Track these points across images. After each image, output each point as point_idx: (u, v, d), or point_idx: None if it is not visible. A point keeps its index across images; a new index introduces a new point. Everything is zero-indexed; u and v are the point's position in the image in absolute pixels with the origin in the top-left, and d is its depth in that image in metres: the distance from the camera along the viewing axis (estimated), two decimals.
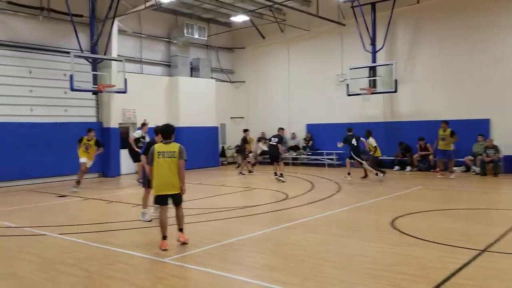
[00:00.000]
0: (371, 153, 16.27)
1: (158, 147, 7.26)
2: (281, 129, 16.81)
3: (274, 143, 15.96)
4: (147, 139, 14.06)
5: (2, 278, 5.81)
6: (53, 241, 7.89)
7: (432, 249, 6.80)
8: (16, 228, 9.00)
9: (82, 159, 14.36)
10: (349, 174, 15.36)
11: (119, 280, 5.69)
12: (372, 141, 16.30)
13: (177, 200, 7.36)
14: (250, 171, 18.90)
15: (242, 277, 5.70)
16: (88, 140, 14.50)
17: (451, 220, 8.99)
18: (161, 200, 7.26)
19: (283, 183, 15.09)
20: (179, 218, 7.44)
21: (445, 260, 6.21)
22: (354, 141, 15.53)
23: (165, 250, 6.92)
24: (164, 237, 7.13)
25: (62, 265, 6.36)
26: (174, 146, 7.21)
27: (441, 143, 16.11)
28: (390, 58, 19.60)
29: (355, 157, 15.39)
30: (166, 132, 7.36)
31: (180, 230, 7.42)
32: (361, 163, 15.56)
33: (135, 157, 14.81)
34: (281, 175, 15.77)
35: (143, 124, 15.12)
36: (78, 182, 14.24)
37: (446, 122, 16.33)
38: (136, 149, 14.60)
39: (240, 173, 18.54)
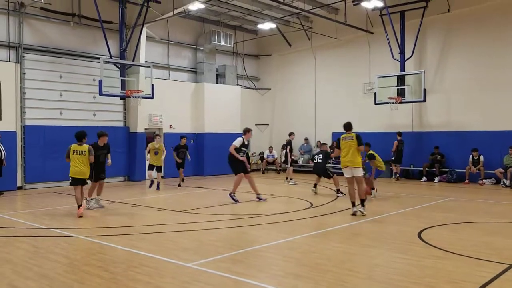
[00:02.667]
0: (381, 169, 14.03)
1: (74, 146, 10.71)
2: (323, 144, 16.30)
3: (320, 160, 14.85)
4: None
5: (34, 279, 5.90)
6: (80, 243, 8.00)
7: (461, 262, 6.63)
8: (46, 229, 9.16)
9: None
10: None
11: (144, 283, 5.71)
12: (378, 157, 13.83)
13: (84, 182, 10.77)
14: (287, 178, 18.10)
15: (266, 285, 5.65)
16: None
17: (480, 233, 8.77)
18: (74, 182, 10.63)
19: (315, 194, 14.51)
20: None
21: (473, 274, 6.05)
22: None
23: (80, 217, 10.15)
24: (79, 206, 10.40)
25: (89, 267, 6.42)
26: (84, 147, 10.67)
27: None
28: (419, 67, 19.36)
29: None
30: (78, 137, 10.75)
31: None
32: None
33: (236, 168, 12.80)
34: (338, 191, 14.21)
35: (247, 131, 13.05)
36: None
37: None
38: (240, 158, 12.68)
39: (290, 179, 17.79)
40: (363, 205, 10.54)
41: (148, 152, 15.75)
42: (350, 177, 10.62)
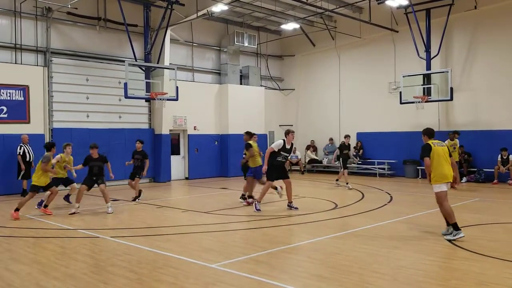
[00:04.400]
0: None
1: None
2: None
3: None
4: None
5: (60, 279, 6.01)
6: (106, 243, 8.10)
7: (489, 263, 6.47)
8: (73, 230, 9.32)
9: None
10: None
11: (168, 283, 5.74)
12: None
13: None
14: (337, 180, 17.11)
15: (290, 286, 5.61)
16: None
17: (509, 234, 8.56)
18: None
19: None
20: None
21: (502, 276, 5.90)
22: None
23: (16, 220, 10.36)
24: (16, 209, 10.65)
25: (114, 267, 6.50)
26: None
27: None
28: (445, 65, 19.02)
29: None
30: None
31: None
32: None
33: (268, 174, 11.47)
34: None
35: (287, 133, 11.64)
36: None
37: None
38: (265, 166, 11.39)
39: (343, 183, 16.40)
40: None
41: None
42: None
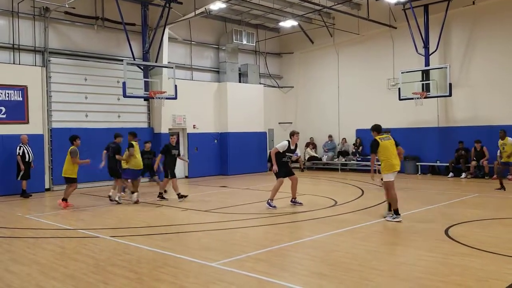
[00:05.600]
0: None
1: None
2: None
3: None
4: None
5: (60, 280, 6.01)
6: (106, 243, 8.10)
7: (489, 259, 6.48)
8: (72, 230, 9.32)
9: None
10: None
11: (168, 283, 5.74)
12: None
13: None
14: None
15: (290, 284, 5.61)
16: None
17: (509, 230, 8.56)
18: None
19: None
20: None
21: (502, 272, 5.90)
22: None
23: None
24: None
25: (114, 267, 6.50)
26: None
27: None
28: (444, 61, 19.00)
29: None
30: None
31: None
32: None
33: (276, 172, 11.49)
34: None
35: (292, 134, 11.80)
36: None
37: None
38: (274, 166, 11.35)
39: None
40: None
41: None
42: None
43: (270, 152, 11.62)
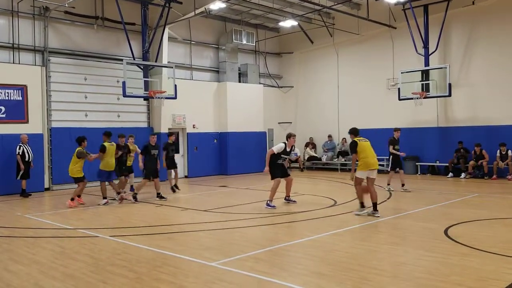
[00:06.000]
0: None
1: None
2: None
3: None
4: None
5: (60, 279, 6.00)
6: (105, 242, 8.09)
7: (488, 259, 6.48)
8: (72, 230, 9.31)
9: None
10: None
11: (168, 282, 5.74)
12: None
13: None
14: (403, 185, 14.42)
15: (289, 284, 5.61)
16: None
17: (508, 230, 8.57)
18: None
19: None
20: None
21: (501, 271, 5.90)
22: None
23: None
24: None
25: (114, 267, 6.49)
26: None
27: None
28: (443, 61, 19.01)
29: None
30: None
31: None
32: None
33: (272, 173, 11.71)
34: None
35: (289, 136, 11.98)
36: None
37: None
38: (266, 167, 11.64)
39: (402, 185, 14.16)
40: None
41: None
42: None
43: (267, 154, 11.84)
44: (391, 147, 14.12)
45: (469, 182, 16.60)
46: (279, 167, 11.79)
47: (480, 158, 17.48)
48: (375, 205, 9.99)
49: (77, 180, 12.56)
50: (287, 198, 12.20)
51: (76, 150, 12.38)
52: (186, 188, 15.91)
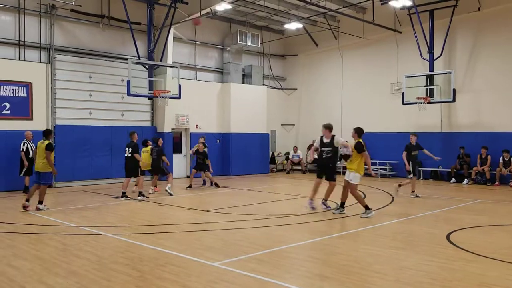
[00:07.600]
0: None
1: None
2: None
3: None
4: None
5: (63, 276, 6.03)
6: (108, 240, 8.12)
7: (491, 265, 6.49)
8: (75, 227, 9.35)
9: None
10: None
11: (170, 281, 5.76)
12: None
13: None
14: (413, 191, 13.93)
15: (291, 285, 5.63)
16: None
17: (510, 236, 8.56)
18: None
19: None
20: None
21: (504, 278, 5.91)
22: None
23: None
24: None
25: (117, 265, 6.52)
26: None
27: None
28: (448, 66, 19.01)
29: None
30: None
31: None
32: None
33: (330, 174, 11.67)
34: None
35: (323, 127, 11.88)
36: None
37: None
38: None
39: (412, 191, 13.75)
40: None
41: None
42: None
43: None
44: (404, 153, 13.58)
45: (472, 188, 16.59)
46: (318, 164, 11.96)
47: (485, 161, 17.36)
48: (342, 204, 10.90)
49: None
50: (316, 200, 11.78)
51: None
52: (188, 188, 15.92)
